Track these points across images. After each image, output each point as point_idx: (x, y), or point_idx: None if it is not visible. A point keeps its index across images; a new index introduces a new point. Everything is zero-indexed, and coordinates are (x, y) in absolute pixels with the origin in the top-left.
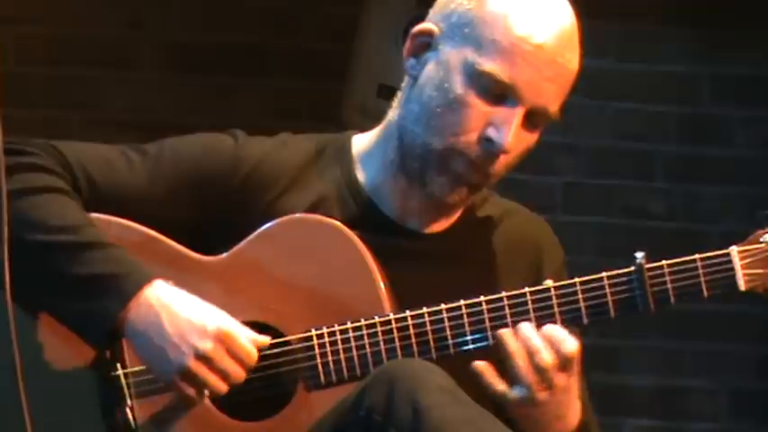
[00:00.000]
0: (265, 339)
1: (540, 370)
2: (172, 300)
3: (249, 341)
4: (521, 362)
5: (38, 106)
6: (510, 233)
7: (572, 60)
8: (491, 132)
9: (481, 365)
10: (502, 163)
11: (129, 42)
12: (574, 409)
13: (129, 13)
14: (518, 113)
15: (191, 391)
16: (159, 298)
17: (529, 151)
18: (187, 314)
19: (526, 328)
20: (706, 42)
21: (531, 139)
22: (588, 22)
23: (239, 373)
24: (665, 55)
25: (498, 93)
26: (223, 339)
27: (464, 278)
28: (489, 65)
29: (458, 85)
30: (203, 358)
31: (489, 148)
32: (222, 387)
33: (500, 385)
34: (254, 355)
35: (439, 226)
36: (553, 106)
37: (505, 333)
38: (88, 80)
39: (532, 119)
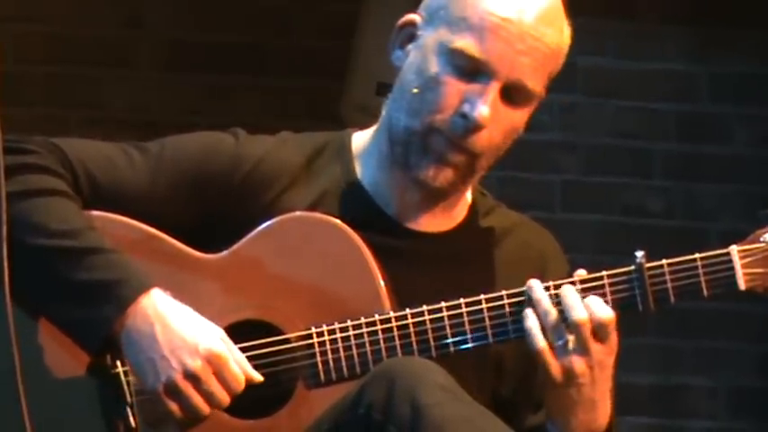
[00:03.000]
0: (257, 376)
1: (574, 326)
2: (168, 311)
3: (240, 368)
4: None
5: (37, 105)
6: (515, 244)
7: (548, 35)
8: (465, 108)
9: None
10: (484, 138)
11: (128, 41)
12: (606, 403)
13: (129, 12)
14: (492, 88)
15: (172, 407)
16: (156, 307)
17: (516, 132)
18: (181, 329)
19: (567, 287)
20: (705, 41)
21: (513, 116)
22: (588, 21)
23: (224, 398)
24: (663, 53)
25: (471, 69)
26: (213, 361)
27: (464, 279)
28: (460, 42)
29: (433, 65)
30: (191, 377)
31: (465, 124)
32: (204, 409)
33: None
34: (242, 382)
35: (440, 226)
36: (530, 81)
37: (536, 285)
38: (88, 79)
39: (511, 94)
